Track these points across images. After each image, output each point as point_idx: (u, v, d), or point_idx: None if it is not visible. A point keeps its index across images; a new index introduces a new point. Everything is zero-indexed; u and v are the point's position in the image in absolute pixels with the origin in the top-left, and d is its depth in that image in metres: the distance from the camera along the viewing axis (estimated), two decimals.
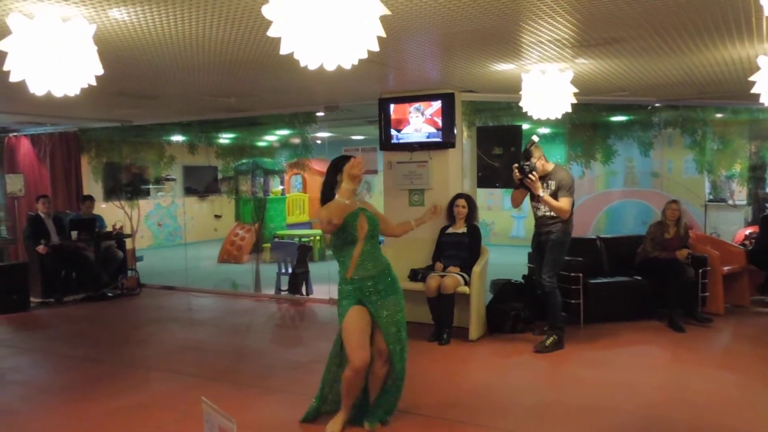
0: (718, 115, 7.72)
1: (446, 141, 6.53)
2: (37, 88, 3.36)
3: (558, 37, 4.29)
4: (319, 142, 10.66)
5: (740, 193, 9.62)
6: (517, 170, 5.40)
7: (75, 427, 4.10)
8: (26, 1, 3.23)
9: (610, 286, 6.51)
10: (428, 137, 6.59)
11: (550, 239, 5.51)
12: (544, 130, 9.37)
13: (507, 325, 6.12)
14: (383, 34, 2.62)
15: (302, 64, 2.64)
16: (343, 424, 3.74)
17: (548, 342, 5.50)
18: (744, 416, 4.10)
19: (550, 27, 4.01)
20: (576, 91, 5.25)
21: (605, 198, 10.94)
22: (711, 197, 9.43)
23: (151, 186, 12.79)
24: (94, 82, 3.49)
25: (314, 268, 8.63)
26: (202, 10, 3.51)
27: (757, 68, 4.48)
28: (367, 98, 7.03)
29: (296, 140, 9.03)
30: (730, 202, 9.62)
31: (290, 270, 8.30)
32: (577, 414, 4.14)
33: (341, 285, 3.68)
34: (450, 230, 6.26)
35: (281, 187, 13.26)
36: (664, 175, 10.09)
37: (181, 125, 9.58)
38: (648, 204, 10.09)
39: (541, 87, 5.20)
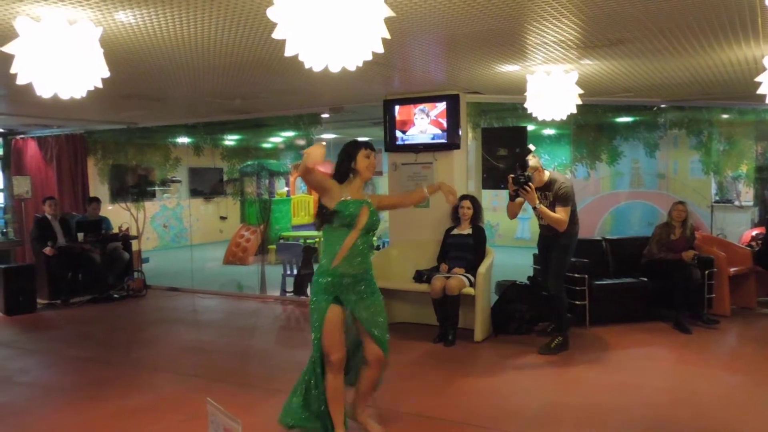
0: (725, 116, 7.69)
1: (451, 142, 6.53)
2: (44, 91, 3.37)
3: (563, 39, 4.28)
4: (324, 143, 10.67)
5: (747, 194, 9.57)
6: (512, 181, 5.19)
7: (81, 427, 4.11)
8: (33, 4, 3.25)
9: (615, 287, 6.49)
10: (433, 138, 6.59)
11: (557, 243, 5.46)
12: (550, 131, 9.36)
13: (512, 326, 6.12)
14: (388, 36, 2.63)
15: (307, 66, 2.65)
16: None
17: (553, 344, 5.49)
18: (750, 418, 4.08)
19: (555, 28, 4.01)
20: (581, 92, 5.24)
21: (611, 199, 10.91)
22: (717, 198, 9.39)
23: (156, 188, 12.83)
24: (100, 85, 3.51)
25: None
26: (207, 13, 3.52)
27: (763, 69, 4.47)
28: (372, 100, 7.03)
29: (301, 142, 9.04)
30: (737, 203, 9.58)
31: (295, 271, 8.31)
32: (583, 415, 4.13)
33: (318, 277, 3.46)
34: (455, 231, 6.25)
35: (286, 189, 13.28)
36: (670, 176, 10.06)
37: (187, 127, 9.60)
38: (654, 205, 10.07)
39: (546, 88, 5.18)
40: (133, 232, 9.60)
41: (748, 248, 7.29)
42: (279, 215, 12.04)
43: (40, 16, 3.34)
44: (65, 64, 3.27)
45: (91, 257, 8.46)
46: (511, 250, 10.82)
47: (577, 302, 6.20)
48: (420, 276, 6.15)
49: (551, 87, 5.17)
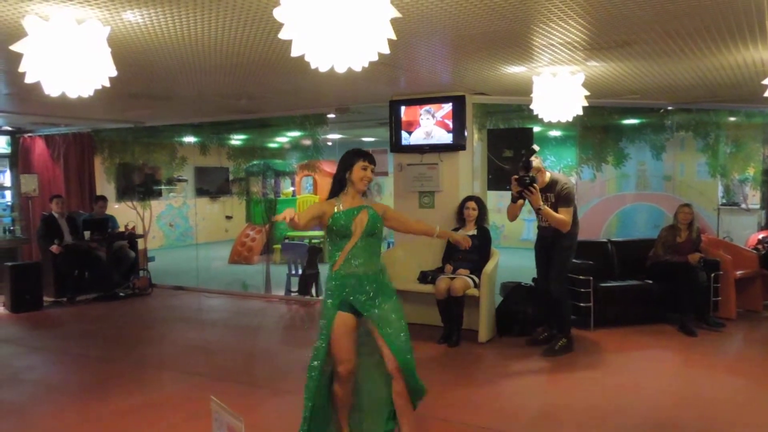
0: (732, 119, 7.66)
1: (457, 143, 6.53)
2: (52, 90, 3.39)
3: (569, 40, 4.28)
4: (330, 143, 10.69)
5: (753, 197, 9.53)
6: (516, 182, 5.14)
7: (86, 425, 4.14)
8: (42, 3, 3.27)
9: (621, 289, 6.47)
10: (439, 139, 6.59)
11: (558, 245, 5.43)
12: (556, 133, 9.34)
13: (516, 328, 6.11)
14: (394, 37, 2.63)
15: (313, 67, 2.66)
16: None
17: (558, 346, 5.48)
18: (755, 421, 4.07)
19: (562, 30, 4.01)
20: (587, 93, 5.22)
21: (617, 201, 10.87)
22: (724, 201, 9.35)
23: (163, 187, 12.87)
24: (107, 84, 3.53)
25: (324, 269, 8.63)
26: (214, 13, 3.54)
27: None
28: (378, 100, 7.04)
29: (307, 142, 9.05)
30: (743, 206, 9.54)
31: (300, 271, 8.32)
32: (586, 417, 4.12)
33: (327, 281, 3.43)
34: (460, 232, 6.23)
35: (292, 189, 13.30)
36: (677, 178, 10.03)
37: (193, 126, 9.63)
38: (660, 207, 10.03)
39: (553, 89, 5.17)
40: (139, 231, 9.64)
41: (755, 251, 7.26)
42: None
43: (49, 15, 3.36)
44: (73, 63, 3.28)
45: (97, 255, 8.51)
46: (517, 251, 10.80)
47: (582, 304, 6.19)
48: (425, 277, 6.15)
49: (557, 88, 5.16)
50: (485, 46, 4.49)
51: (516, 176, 5.17)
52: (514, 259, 8.57)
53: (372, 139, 11.72)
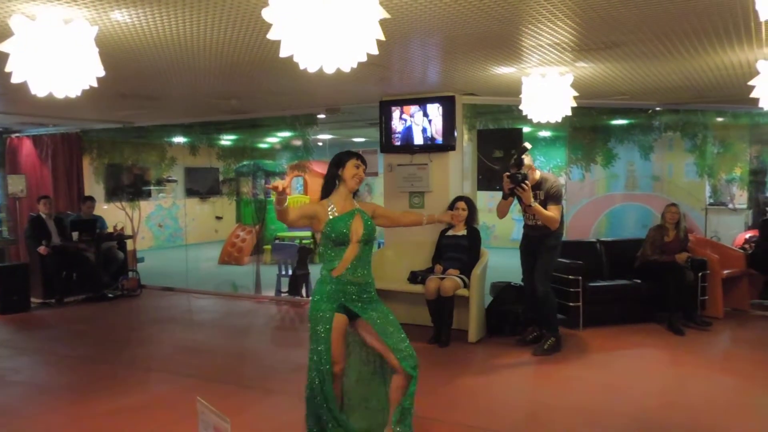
0: (719, 119, 7.72)
1: (447, 144, 6.55)
2: (39, 90, 3.37)
3: (558, 41, 4.30)
4: (320, 144, 10.68)
5: (741, 197, 9.63)
6: (508, 179, 5.18)
7: (75, 427, 4.11)
8: (29, 2, 3.25)
9: (609, 289, 6.51)
10: (429, 140, 6.60)
11: (545, 244, 5.48)
12: (545, 134, 9.38)
13: (506, 327, 6.13)
14: (383, 38, 2.64)
15: (302, 67, 2.66)
16: None
17: (546, 345, 5.51)
18: (742, 420, 4.10)
19: (551, 31, 4.03)
20: (576, 94, 5.26)
21: (606, 201, 10.92)
22: (711, 201, 9.43)
23: (152, 187, 12.79)
24: (95, 84, 3.51)
25: (315, 270, 8.61)
26: (203, 13, 3.53)
27: (757, 72, 4.50)
28: (369, 101, 7.04)
29: (297, 142, 9.04)
30: (731, 206, 9.63)
31: (290, 272, 8.31)
32: (575, 417, 4.14)
33: (321, 284, 3.38)
34: (450, 233, 6.26)
35: None
36: (665, 178, 10.08)
37: (183, 127, 9.59)
38: (648, 207, 10.08)
39: (542, 90, 5.20)
40: (128, 232, 9.59)
41: (742, 251, 7.33)
42: (274, 215, 11.99)
43: (36, 15, 3.34)
44: (60, 63, 3.27)
45: (85, 256, 8.45)
46: (507, 251, 10.81)
47: (571, 304, 6.23)
48: (414, 277, 6.16)
49: (546, 89, 5.19)
50: (474, 47, 4.50)
51: (508, 173, 5.21)
52: (504, 259, 8.58)
53: (362, 140, 11.72)
